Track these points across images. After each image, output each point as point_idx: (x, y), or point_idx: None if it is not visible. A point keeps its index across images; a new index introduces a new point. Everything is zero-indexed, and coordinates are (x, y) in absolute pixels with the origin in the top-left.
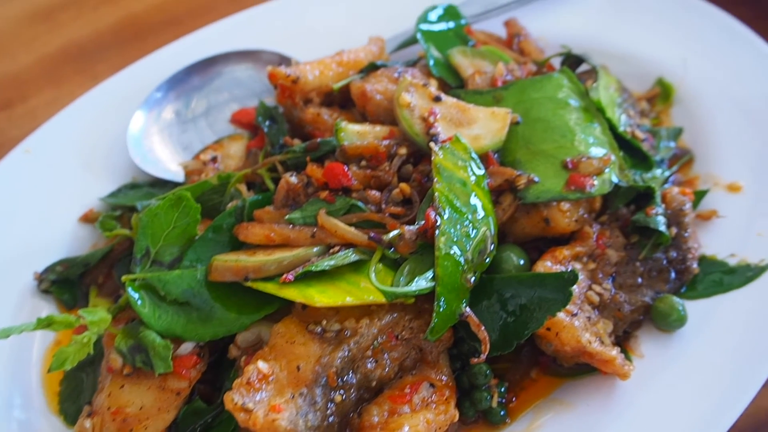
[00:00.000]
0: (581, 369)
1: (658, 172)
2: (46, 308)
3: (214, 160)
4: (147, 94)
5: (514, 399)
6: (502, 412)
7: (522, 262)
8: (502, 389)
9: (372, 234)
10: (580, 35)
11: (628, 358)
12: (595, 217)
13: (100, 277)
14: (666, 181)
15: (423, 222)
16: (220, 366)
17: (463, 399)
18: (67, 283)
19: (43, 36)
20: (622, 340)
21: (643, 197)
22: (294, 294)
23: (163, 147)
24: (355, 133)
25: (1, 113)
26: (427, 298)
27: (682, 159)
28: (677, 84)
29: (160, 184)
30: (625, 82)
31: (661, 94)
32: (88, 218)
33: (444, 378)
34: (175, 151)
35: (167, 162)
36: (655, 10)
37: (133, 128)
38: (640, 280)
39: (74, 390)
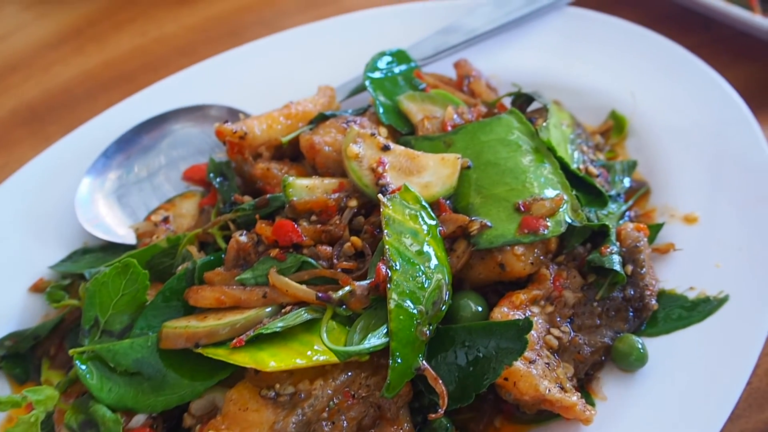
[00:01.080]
0: (545, 415)
1: (613, 207)
2: None
3: (165, 220)
4: (97, 154)
5: None
6: None
7: (480, 308)
8: None
9: (320, 294)
10: (532, 71)
11: (590, 401)
12: (552, 257)
13: (52, 349)
14: (623, 215)
15: (374, 277)
16: None
17: None
18: (17, 357)
19: None
20: (585, 382)
21: (599, 234)
22: (245, 359)
23: (112, 211)
24: (303, 188)
25: None
26: (383, 353)
27: (639, 192)
28: (630, 116)
29: (112, 248)
30: (580, 115)
31: (615, 126)
32: (38, 288)
33: None
34: (125, 214)
35: (117, 226)
36: (605, 42)
37: (82, 193)
38: (598, 320)
39: None
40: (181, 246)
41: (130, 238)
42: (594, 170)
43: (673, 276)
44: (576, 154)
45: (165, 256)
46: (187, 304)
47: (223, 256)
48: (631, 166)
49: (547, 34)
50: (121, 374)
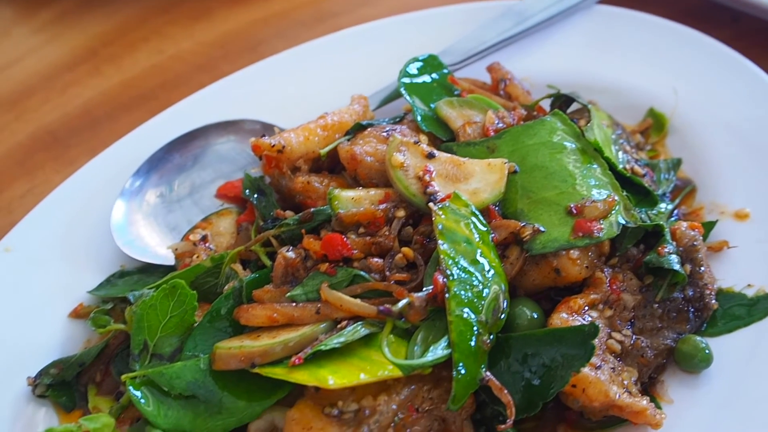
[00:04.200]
0: (610, 421)
1: (662, 206)
2: (44, 414)
3: (204, 239)
4: (127, 175)
5: None
6: None
7: (536, 315)
8: None
9: (381, 307)
10: (564, 71)
11: (657, 405)
12: (605, 260)
13: (98, 375)
14: (671, 214)
15: (431, 287)
16: None
17: None
18: (63, 385)
19: (11, 125)
20: (648, 386)
21: (651, 235)
22: (305, 377)
23: (150, 231)
24: (349, 200)
25: None
26: (444, 365)
27: (685, 190)
28: (670, 113)
29: (149, 270)
30: (616, 115)
31: (655, 125)
32: (78, 314)
33: None
34: (163, 234)
35: (156, 246)
36: (638, 39)
37: (116, 216)
38: (659, 323)
39: None
40: (224, 265)
41: (169, 259)
42: (640, 170)
43: (728, 274)
44: (620, 155)
45: (209, 276)
46: (235, 324)
47: (269, 273)
48: (675, 164)
49: (578, 34)
50: (176, 398)
